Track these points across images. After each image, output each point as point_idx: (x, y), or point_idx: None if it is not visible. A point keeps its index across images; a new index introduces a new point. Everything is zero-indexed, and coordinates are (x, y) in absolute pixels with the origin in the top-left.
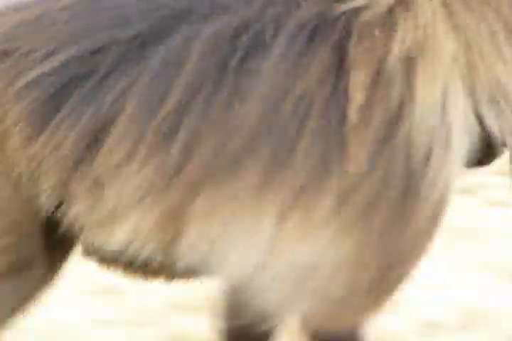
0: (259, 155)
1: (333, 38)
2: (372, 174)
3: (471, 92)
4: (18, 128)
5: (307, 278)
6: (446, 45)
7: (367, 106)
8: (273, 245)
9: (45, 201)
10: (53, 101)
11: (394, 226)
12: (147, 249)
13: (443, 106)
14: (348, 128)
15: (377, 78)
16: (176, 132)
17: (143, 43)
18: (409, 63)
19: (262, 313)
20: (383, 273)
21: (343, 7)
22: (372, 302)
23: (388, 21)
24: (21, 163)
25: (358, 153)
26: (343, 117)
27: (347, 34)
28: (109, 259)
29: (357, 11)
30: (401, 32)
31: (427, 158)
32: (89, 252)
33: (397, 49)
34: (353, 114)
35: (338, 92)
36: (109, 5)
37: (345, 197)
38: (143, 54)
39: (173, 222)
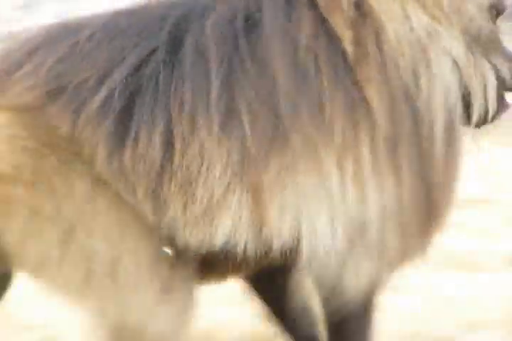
0: (300, 114)
1: None
2: (393, 119)
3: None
4: (99, 150)
5: (365, 232)
6: None
7: (359, 43)
8: (341, 198)
9: (144, 209)
10: (122, 118)
11: (423, 163)
12: (246, 238)
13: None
14: (353, 68)
15: (358, 17)
16: (235, 115)
17: (168, 52)
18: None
19: (338, 283)
20: (427, 208)
21: None
22: (422, 241)
23: None
24: (114, 180)
25: (379, 106)
26: (346, 62)
27: None
28: (210, 257)
29: None
30: None
31: (429, 96)
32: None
33: None
34: (348, 50)
35: (334, 41)
36: (123, 27)
37: (377, 145)
38: (173, 61)
39: (260, 201)
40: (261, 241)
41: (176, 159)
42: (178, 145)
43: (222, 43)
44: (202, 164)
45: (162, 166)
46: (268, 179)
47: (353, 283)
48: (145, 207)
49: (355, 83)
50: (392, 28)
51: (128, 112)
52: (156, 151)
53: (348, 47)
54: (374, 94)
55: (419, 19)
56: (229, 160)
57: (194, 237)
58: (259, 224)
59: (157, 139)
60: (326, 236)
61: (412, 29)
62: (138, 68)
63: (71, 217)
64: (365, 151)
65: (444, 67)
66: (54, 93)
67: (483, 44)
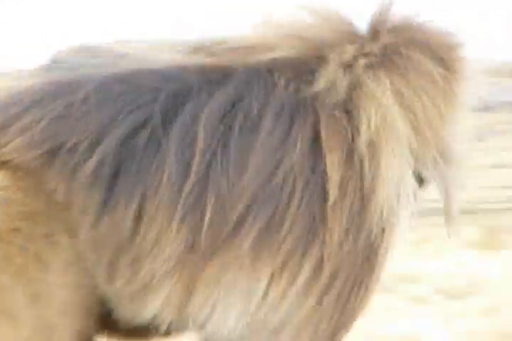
0: (257, 221)
1: (309, 119)
2: (343, 245)
3: (418, 158)
4: (87, 217)
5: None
6: (400, 126)
7: (342, 184)
8: (261, 304)
9: (99, 279)
10: (110, 186)
11: (352, 290)
12: (171, 314)
13: (401, 180)
14: (328, 203)
15: (349, 158)
16: (199, 209)
17: (158, 127)
18: (373, 145)
19: None
20: (336, 328)
21: (309, 90)
22: None
23: (349, 104)
24: (90, 250)
25: (335, 227)
26: (323, 191)
27: (318, 116)
28: (136, 328)
29: (321, 94)
30: (364, 117)
31: (383, 230)
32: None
33: (363, 133)
34: (332, 191)
35: (319, 169)
36: (120, 91)
37: (321, 264)
38: (161, 137)
39: (190, 287)
40: (180, 322)
41: (137, 235)
42: (143, 223)
43: (211, 136)
44: (155, 246)
45: (127, 239)
46: (205, 274)
47: None
48: (101, 277)
49: (323, 216)
50: (385, 189)
51: (115, 180)
52: (125, 224)
53: (332, 185)
54: (336, 232)
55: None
56: (178, 248)
57: (129, 309)
58: (182, 308)
59: (131, 212)
60: (228, 330)
61: (399, 195)
62: (128, 137)
63: (38, 285)
64: (301, 276)
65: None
66: (49, 155)
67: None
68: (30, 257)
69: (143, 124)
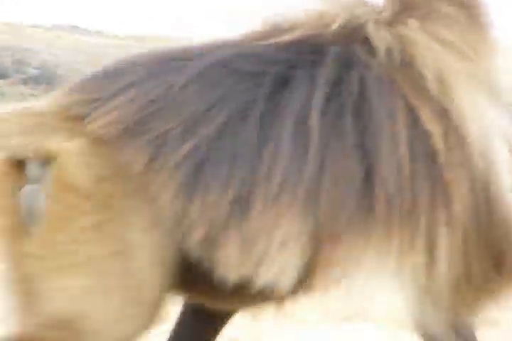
0: (385, 200)
1: (395, 87)
2: (467, 202)
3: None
4: (166, 193)
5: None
6: (458, 66)
7: (444, 138)
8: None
9: (192, 250)
10: (197, 171)
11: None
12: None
13: (487, 117)
14: (439, 160)
15: (437, 112)
16: (316, 194)
17: (263, 115)
18: (449, 90)
19: None
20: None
21: (378, 60)
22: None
23: (409, 59)
24: (171, 220)
25: (453, 184)
26: (431, 151)
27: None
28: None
29: (387, 59)
30: (428, 67)
31: (492, 172)
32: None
33: (433, 80)
34: (439, 147)
35: (422, 132)
36: (219, 77)
37: (452, 229)
38: (272, 118)
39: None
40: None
41: (249, 218)
42: (255, 207)
43: (323, 118)
44: (270, 228)
45: (228, 220)
46: (328, 253)
47: None
48: (193, 243)
49: (440, 172)
50: (471, 124)
51: (203, 166)
52: (225, 206)
53: (438, 141)
54: (456, 182)
55: (491, 117)
56: (300, 235)
57: (237, 275)
58: (297, 281)
59: (229, 196)
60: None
61: (485, 126)
62: (226, 124)
63: (119, 242)
64: (440, 233)
65: (505, 154)
66: (137, 132)
67: None
68: (113, 214)
69: (244, 110)
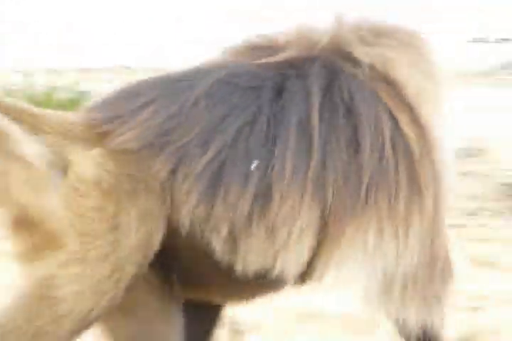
0: (375, 190)
1: (376, 95)
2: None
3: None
4: (190, 198)
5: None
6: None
7: (417, 141)
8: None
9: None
10: (218, 178)
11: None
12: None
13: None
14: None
15: (413, 118)
16: (323, 184)
17: (272, 115)
18: (420, 101)
19: None
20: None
21: (363, 71)
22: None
23: (386, 74)
24: (196, 222)
25: (426, 178)
26: (408, 151)
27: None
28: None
29: (370, 71)
30: (402, 80)
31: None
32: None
33: (410, 92)
34: (415, 149)
35: (400, 134)
36: (226, 93)
37: (424, 213)
38: (276, 124)
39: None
40: (303, 279)
41: (268, 212)
42: (274, 200)
43: (321, 120)
44: (287, 219)
45: (250, 215)
46: (336, 237)
47: None
48: (216, 242)
49: (415, 167)
50: (435, 131)
51: (222, 171)
52: (246, 204)
53: (413, 142)
54: (427, 176)
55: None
56: (311, 219)
57: (258, 266)
58: (309, 267)
59: (249, 193)
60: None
61: (442, 133)
62: (240, 134)
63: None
64: (415, 221)
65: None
66: (159, 145)
67: None
68: (131, 215)
69: (252, 118)
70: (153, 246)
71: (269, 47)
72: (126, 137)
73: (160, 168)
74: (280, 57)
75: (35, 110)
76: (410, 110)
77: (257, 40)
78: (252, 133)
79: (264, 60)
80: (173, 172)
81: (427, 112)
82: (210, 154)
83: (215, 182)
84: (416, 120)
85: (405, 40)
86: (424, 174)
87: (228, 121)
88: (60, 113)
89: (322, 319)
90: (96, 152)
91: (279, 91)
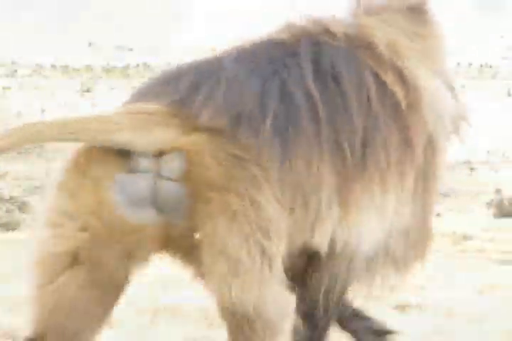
0: (375, 148)
1: (363, 63)
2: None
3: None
4: (272, 163)
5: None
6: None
7: (405, 97)
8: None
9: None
10: (284, 139)
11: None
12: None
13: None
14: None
15: (398, 77)
16: (339, 146)
17: (286, 85)
18: (400, 57)
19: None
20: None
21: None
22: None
23: (368, 41)
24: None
25: (415, 133)
26: (397, 107)
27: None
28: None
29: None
30: (383, 41)
31: (437, 133)
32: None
33: (387, 49)
34: (403, 103)
35: (389, 94)
36: (254, 65)
37: (414, 170)
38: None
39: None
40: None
41: (312, 176)
42: (313, 165)
43: (319, 89)
44: (321, 181)
45: (306, 180)
46: (353, 195)
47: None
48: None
49: (405, 122)
50: (423, 88)
51: (288, 135)
52: (307, 167)
53: (401, 98)
54: (416, 137)
55: (436, 85)
56: (334, 178)
57: (301, 239)
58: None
59: (304, 161)
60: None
61: (433, 90)
62: (280, 100)
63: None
64: (408, 179)
65: (449, 111)
66: (235, 120)
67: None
68: (246, 200)
69: (282, 86)
70: None
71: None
72: (206, 117)
73: (248, 143)
74: (277, 39)
75: (108, 117)
76: (394, 70)
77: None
78: (287, 98)
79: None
80: (257, 145)
81: (412, 70)
82: (269, 121)
83: (284, 147)
84: (401, 79)
85: (394, 7)
86: (415, 128)
87: (266, 89)
88: (120, 111)
89: (179, 313)
90: (198, 140)
91: (283, 67)
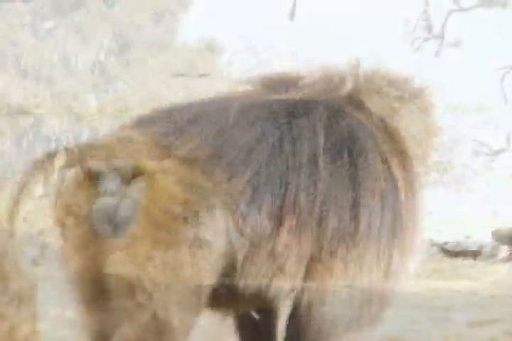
0: (369, 229)
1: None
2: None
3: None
4: (233, 213)
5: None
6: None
7: (404, 184)
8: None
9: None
10: (256, 190)
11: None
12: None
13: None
14: (401, 200)
15: (401, 164)
16: (324, 218)
17: (274, 151)
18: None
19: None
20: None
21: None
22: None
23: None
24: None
25: (408, 225)
26: (396, 190)
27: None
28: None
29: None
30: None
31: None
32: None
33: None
34: (401, 190)
35: (388, 173)
36: (254, 117)
37: (404, 251)
38: (291, 149)
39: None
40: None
41: (274, 235)
42: (282, 226)
43: (328, 160)
44: (289, 245)
45: (270, 235)
46: (325, 263)
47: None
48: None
49: (400, 207)
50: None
51: (260, 187)
52: (264, 221)
53: (400, 183)
54: (408, 215)
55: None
56: (307, 247)
57: (256, 283)
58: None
59: (272, 215)
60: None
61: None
62: (270, 154)
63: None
64: (395, 255)
65: None
66: (216, 157)
67: None
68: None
69: (280, 143)
70: None
71: (290, 83)
72: (187, 149)
73: (221, 178)
74: (293, 95)
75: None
76: (401, 154)
77: (280, 75)
78: (278, 158)
79: (279, 96)
80: (229, 182)
81: (413, 158)
82: (249, 173)
83: (253, 196)
84: (404, 164)
85: (412, 92)
86: (408, 215)
87: (261, 141)
88: (109, 135)
89: None
90: (169, 166)
91: (292, 126)
